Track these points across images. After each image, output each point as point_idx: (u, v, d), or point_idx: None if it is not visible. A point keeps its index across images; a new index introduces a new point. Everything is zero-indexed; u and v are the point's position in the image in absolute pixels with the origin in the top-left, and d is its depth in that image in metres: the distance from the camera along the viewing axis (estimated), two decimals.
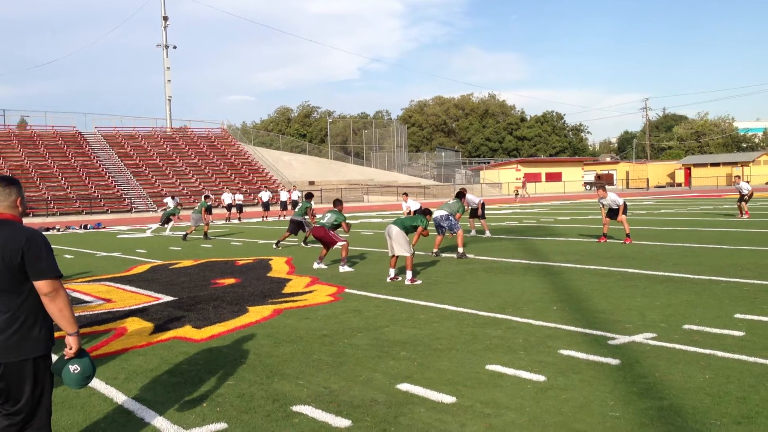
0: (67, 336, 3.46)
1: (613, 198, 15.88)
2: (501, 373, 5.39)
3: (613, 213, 15.79)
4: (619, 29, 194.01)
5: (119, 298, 9.87)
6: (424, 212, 11.64)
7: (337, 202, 13.40)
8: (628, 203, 17.92)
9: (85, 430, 4.54)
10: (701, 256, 12.42)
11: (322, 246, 12.97)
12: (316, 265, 12.54)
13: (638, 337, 6.33)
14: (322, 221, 12.86)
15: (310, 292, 9.83)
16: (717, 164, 74.04)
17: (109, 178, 49.83)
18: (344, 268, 11.99)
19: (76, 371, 3.47)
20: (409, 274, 10.24)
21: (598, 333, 6.57)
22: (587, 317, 7.32)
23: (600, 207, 16.18)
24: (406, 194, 24.57)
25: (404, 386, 5.13)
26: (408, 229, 10.79)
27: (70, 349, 3.46)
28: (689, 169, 75.90)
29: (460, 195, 15.59)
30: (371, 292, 9.53)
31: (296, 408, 4.75)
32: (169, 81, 62.59)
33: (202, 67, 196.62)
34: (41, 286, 3.35)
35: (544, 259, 12.70)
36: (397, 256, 10.63)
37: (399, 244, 10.45)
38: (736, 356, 5.56)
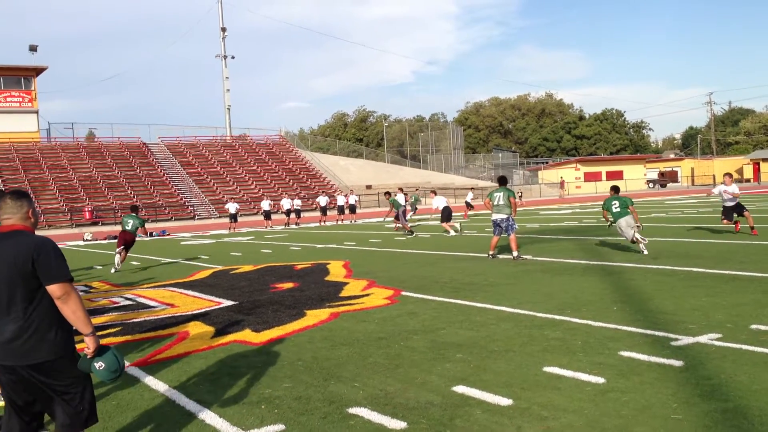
0: (84, 337, 3.59)
1: (733, 190, 15.43)
2: (559, 375, 5.31)
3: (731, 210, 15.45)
4: (680, 22, 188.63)
5: (182, 303, 10.12)
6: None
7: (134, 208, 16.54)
8: (696, 200, 17.47)
9: (147, 431, 4.68)
10: None
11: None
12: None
13: (702, 338, 6.15)
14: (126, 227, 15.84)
15: (367, 295, 9.88)
16: None
17: (172, 187, 51.19)
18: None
19: (101, 368, 3.62)
20: None
21: (661, 334, 6.40)
22: (649, 318, 7.15)
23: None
24: (401, 189, 25.56)
25: (460, 388, 5.11)
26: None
27: (89, 348, 3.60)
28: (758, 164, 73.13)
29: (503, 181, 14.30)
30: (428, 295, 9.52)
31: (352, 410, 4.78)
32: (228, 90, 63.96)
33: (260, 76, 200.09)
34: (53, 290, 3.50)
35: (604, 259, 12.45)
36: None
37: None
38: None
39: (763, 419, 4.13)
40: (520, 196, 34.56)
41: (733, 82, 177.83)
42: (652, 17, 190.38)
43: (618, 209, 13.08)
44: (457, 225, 22.65)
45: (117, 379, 3.76)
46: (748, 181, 73.03)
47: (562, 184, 60.73)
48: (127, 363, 6.55)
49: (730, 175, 16.06)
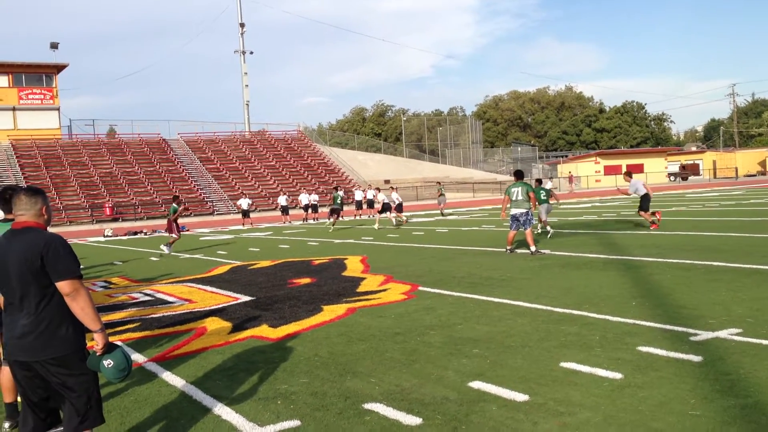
0: (93, 333, 3.62)
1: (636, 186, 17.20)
2: (576, 370, 5.28)
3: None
4: (702, 12, 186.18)
5: (200, 299, 10.19)
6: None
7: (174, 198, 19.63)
8: (718, 194, 17.53)
9: (165, 426, 4.72)
10: None
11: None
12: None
13: (722, 333, 6.07)
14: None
15: (384, 290, 9.88)
16: None
17: (191, 183, 51.53)
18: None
19: (110, 365, 3.63)
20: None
21: (680, 329, 6.33)
22: (668, 313, 7.07)
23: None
24: (378, 189, 27.65)
25: (476, 384, 5.09)
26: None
27: (98, 345, 3.62)
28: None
29: (520, 175, 14.40)
30: (445, 290, 9.50)
31: (368, 406, 4.78)
32: (246, 86, 64.24)
33: (278, 71, 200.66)
34: (62, 286, 3.53)
35: (623, 253, 12.34)
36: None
37: None
38: None
39: None
40: (553, 190, 36.25)
41: (757, 73, 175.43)
42: (672, 8, 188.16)
43: (545, 197, 14.65)
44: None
45: (125, 378, 3.78)
46: None
47: (570, 178, 59.91)
48: (145, 358, 6.62)
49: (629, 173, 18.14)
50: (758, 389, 4.55)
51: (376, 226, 24.47)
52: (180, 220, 21.55)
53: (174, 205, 19.69)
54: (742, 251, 11.57)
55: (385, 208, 25.41)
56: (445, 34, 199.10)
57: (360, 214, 34.80)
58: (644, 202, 16.89)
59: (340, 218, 27.74)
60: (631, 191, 17.23)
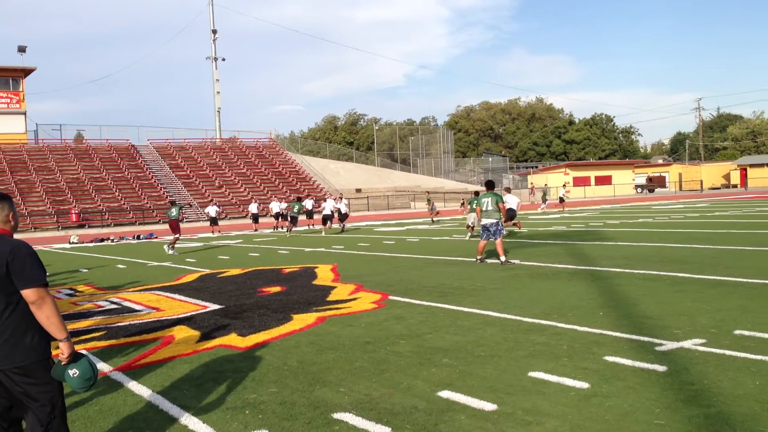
0: (58, 342, 3.55)
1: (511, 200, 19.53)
2: (544, 380, 5.32)
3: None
4: (670, 29, 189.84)
5: (168, 307, 10.07)
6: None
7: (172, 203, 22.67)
8: (683, 206, 17.73)
9: None
10: (756, 259, 12.04)
11: None
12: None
13: (687, 343, 6.17)
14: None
15: (354, 299, 9.87)
16: None
17: (161, 189, 50.99)
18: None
19: (75, 375, 3.57)
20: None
21: (645, 339, 6.42)
22: (634, 323, 7.17)
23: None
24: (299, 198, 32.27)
25: (445, 393, 5.11)
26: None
27: (63, 354, 3.56)
28: (745, 169, 73.70)
29: (491, 185, 14.41)
30: (415, 299, 9.52)
31: (337, 415, 4.77)
32: (218, 93, 63.82)
33: (251, 79, 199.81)
34: (27, 294, 3.47)
35: (591, 263, 12.49)
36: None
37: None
38: None
39: (745, 425, 4.15)
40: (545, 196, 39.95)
41: (722, 88, 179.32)
42: (642, 23, 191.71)
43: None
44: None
45: (90, 387, 3.72)
46: (735, 186, 73.54)
47: (532, 189, 60.07)
48: (110, 368, 6.52)
49: (508, 188, 20.95)
50: (721, 399, 4.63)
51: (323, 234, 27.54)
52: (148, 227, 22.39)
53: (177, 206, 22.54)
54: (707, 263, 11.78)
55: (325, 219, 29.28)
56: (419, 45, 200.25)
57: (330, 225, 34.70)
58: (510, 212, 18.82)
59: (295, 227, 29.97)
60: (508, 205, 18.56)
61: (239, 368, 6.23)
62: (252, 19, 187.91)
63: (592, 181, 70.76)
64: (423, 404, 4.90)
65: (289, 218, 29.84)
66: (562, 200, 42.51)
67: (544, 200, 42.99)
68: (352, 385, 5.47)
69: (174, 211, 22.22)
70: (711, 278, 9.97)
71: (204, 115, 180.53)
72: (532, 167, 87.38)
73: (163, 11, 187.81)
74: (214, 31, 63.58)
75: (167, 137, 61.09)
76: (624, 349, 6.09)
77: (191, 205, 48.53)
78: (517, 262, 13.34)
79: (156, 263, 17.82)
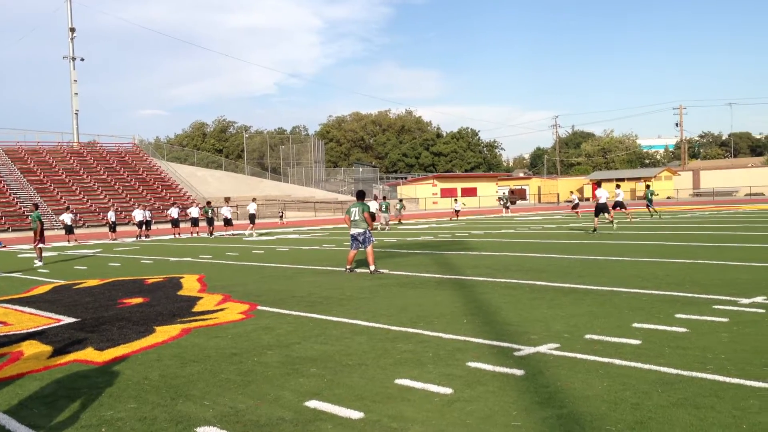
0: None
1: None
2: (409, 387, 5.43)
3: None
4: (532, 50, 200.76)
5: (16, 321, 9.39)
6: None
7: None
8: (542, 217, 18.69)
9: None
10: (605, 267, 12.91)
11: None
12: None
13: (542, 348, 6.51)
14: None
15: (221, 310, 9.64)
16: (622, 179, 77.38)
17: (10, 195, 47.56)
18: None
19: None
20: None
21: (505, 345, 6.71)
22: (495, 329, 7.48)
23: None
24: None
25: (312, 403, 5.09)
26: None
27: None
28: (597, 183, 78.96)
29: (361, 195, 14.44)
30: (284, 309, 9.43)
31: (200, 429, 4.62)
32: (76, 94, 60.51)
33: (113, 81, 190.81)
34: None
35: (456, 273, 12.91)
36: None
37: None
38: (633, 364, 5.79)
39: (594, 423, 4.42)
40: (402, 208, 39.51)
41: (577, 106, 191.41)
42: (506, 44, 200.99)
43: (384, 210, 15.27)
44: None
45: None
46: (587, 200, 78.54)
47: (437, 196, 61.41)
48: None
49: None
50: (572, 400, 4.92)
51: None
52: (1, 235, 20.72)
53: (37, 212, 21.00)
54: (562, 271, 12.49)
55: (252, 218, 32.25)
56: (291, 53, 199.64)
57: (196, 232, 33.76)
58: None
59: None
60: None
61: (96, 384, 5.91)
62: (114, 18, 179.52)
63: (459, 193, 73.23)
64: (290, 415, 4.86)
65: (207, 221, 32.20)
66: (457, 212, 43.04)
67: (399, 212, 41.58)
68: (216, 398, 5.33)
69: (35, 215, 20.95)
70: (565, 286, 10.58)
71: (60, 118, 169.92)
72: (402, 178, 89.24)
73: (18, 7, 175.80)
74: (72, 30, 60.31)
75: (18, 140, 57.13)
76: (486, 355, 6.33)
77: (44, 213, 45.55)
78: (386, 271, 13.54)
79: (4, 274, 16.57)
